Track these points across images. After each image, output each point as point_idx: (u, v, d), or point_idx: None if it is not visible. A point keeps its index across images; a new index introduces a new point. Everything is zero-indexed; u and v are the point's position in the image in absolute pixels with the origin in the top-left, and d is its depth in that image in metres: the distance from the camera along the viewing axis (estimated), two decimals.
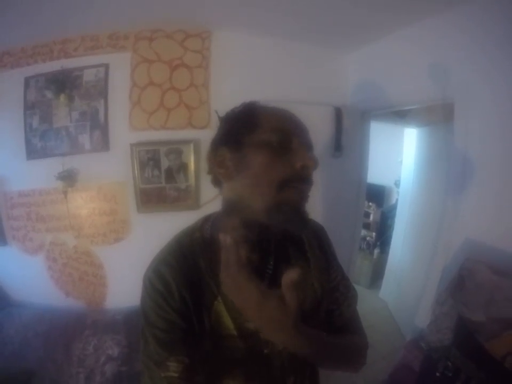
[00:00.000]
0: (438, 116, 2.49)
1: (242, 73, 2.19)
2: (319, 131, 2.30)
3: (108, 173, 2.13)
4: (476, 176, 1.69)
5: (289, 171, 0.65)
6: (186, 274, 0.68)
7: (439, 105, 2.03)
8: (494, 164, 1.61)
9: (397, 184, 3.86)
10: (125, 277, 1.97)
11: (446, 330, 1.67)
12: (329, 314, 0.84)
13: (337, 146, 2.37)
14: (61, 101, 2.02)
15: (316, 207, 2.32)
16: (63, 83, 2.03)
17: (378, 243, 4.05)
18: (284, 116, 0.73)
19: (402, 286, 3.19)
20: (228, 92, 2.07)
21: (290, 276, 0.52)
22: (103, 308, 2.23)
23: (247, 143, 0.68)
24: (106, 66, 2.06)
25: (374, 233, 4.16)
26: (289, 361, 0.74)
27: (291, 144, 0.67)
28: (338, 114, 2.34)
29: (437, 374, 1.59)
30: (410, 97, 2.04)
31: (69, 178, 2.06)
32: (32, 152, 2.11)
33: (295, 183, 0.65)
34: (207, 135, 0.88)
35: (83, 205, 2.14)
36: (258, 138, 0.67)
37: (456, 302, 1.62)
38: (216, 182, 0.78)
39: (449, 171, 1.90)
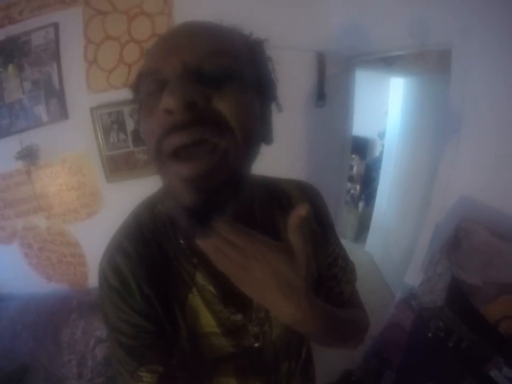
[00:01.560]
0: (428, 64, 2.24)
1: (212, 18, 1.84)
2: (300, 78, 2.06)
3: (70, 143, 1.87)
4: (472, 129, 1.53)
5: (158, 124, 0.41)
6: (148, 263, 0.52)
7: (431, 52, 1.78)
8: (491, 115, 1.45)
9: (381, 136, 3.65)
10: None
11: (439, 291, 1.59)
12: (328, 292, 0.69)
13: (320, 94, 2.10)
14: (9, 72, 1.71)
15: (299, 159, 2.16)
16: (10, 52, 1.71)
17: (363, 196, 3.93)
18: (170, 30, 0.47)
19: (388, 240, 3.13)
20: None
21: (297, 212, 0.41)
22: (87, 288, 2.08)
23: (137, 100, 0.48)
24: (56, 26, 1.72)
25: (358, 186, 4.02)
26: (283, 350, 0.63)
27: (162, 75, 0.41)
28: (321, 60, 2.05)
29: (429, 335, 1.52)
30: (400, 42, 1.79)
31: (29, 156, 1.80)
32: None
33: (166, 141, 0.40)
34: None
35: (49, 182, 1.90)
36: (139, 90, 0.46)
37: (451, 263, 1.52)
38: None
39: (443, 123, 1.70)
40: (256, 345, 0.59)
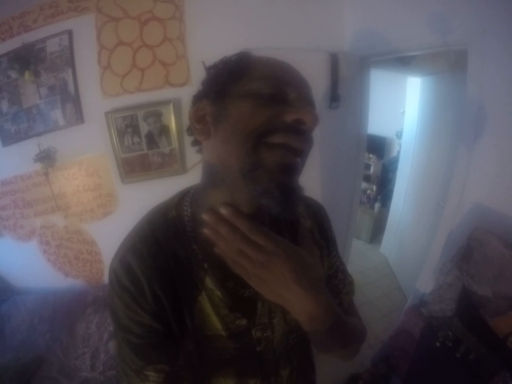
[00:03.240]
0: (445, 63, 2.13)
1: (223, 20, 1.84)
2: (313, 80, 1.99)
3: (86, 146, 1.92)
4: (489, 132, 1.43)
5: (275, 122, 0.48)
6: (160, 266, 0.54)
7: (447, 52, 1.69)
8: (509, 118, 1.35)
9: (399, 135, 3.51)
10: None
11: (449, 301, 1.53)
12: None
13: (334, 96, 2.02)
14: (26, 78, 1.77)
15: (314, 161, 2.07)
16: (27, 59, 1.77)
17: (379, 197, 3.81)
18: (281, 65, 0.55)
19: (403, 243, 3.03)
20: (208, 43, 1.78)
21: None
22: (102, 284, 2.15)
23: (230, 92, 0.52)
24: (70, 33, 1.76)
25: (374, 187, 3.90)
26: (284, 356, 0.65)
27: (287, 96, 0.51)
28: (334, 61, 1.96)
29: (437, 344, 1.47)
30: (416, 42, 1.70)
31: (47, 158, 1.87)
32: (7, 138, 1.90)
33: (281, 135, 0.48)
34: (187, 93, 0.67)
35: (66, 183, 1.96)
36: (245, 86, 0.51)
37: (462, 273, 1.46)
38: (196, 143, 0.62)
39: (459, 125, 1.63)
40: (257, 349, 0.60)
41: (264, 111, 0.48)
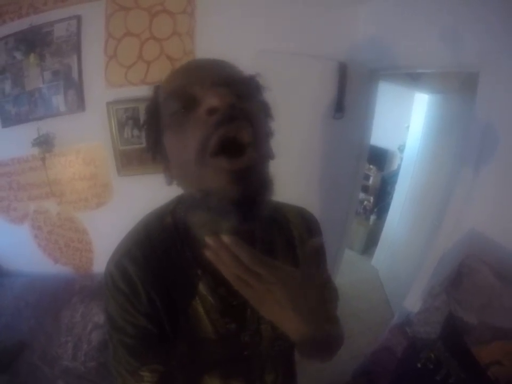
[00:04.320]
0: (455, 83, 2.11)
1: (233, 19, 1.81)
2: (319, 88, 1.95)
3: (85, 135, 1.90)
4: (494, 158, 1.40)
5: (200, 131, 0.44)
6: (155, 271, 0.55)
7: (458, 72, 1.67)
8: None
9: (401, 149, 3.50)
10: (110, 241, 1.80)
11: (434, 324, 1.52)
12: None
13: (339, 106, 1.97)
14: (31, 61, 1.75)
15: (314, 168, 2.08)
16: (33, 41, 1.76)
17: (375, 209, 3.79)
18: (179, 69, 0.51)
19: (395, 258, 3.02)
20: (216, 41, 1.75)
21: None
22: (90, 273, 2.14)
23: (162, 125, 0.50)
24: (78, 18, 1.74)
25: (372, 198, 3.89)
26: (269, 361, 0.67)
27: (196, 98, 0.45)
28: (343, 71, 1.92)
29: (418, 365, 1.46)
30: (428, 61, 1.68)
31: (45, 143, 1.85)
32: (7, 120, 1.88)
33: (213, 136, 0.43)
34: None
35: (62, 170, 1.95)
36: (162, 118, 0.49)
37: (450, 298, 1.45)
38: None
39: (463, 147, 1.61)
40: (245, 353, 0.62)
41: (186, 131, 0.45)
